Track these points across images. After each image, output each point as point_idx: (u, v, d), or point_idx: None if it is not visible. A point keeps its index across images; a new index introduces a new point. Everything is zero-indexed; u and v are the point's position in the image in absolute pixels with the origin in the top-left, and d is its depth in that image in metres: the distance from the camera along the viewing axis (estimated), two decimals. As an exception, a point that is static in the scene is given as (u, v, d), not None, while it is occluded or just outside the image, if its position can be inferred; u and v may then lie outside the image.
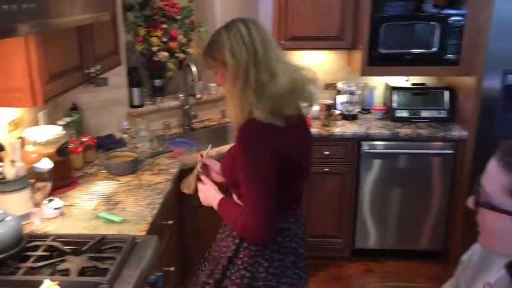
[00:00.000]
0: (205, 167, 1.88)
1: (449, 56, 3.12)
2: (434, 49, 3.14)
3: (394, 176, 3.22)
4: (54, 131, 2.12)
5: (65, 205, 1.94)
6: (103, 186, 2.21)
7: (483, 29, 2.84)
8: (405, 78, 3.54)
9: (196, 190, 1.84)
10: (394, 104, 3.38)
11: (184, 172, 2.37)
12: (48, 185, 1.99)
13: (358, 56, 3.23)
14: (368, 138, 3.16)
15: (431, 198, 3.23)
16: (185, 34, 3.14)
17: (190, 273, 2.63)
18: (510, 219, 0.85)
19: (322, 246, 3.33)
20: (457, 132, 3.12)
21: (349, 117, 3.41)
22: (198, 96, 3.05)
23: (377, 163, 3.19)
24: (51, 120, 2.36)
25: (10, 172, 1.74)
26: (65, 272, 1.42)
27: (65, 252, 1.52)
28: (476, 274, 1.09)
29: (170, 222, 2.19)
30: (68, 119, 2.51)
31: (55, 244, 1.55)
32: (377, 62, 3.18)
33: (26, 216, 1.79)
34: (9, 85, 1.62)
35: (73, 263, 1.44)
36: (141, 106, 3.01)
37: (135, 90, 2.96)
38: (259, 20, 3.22)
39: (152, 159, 2.59)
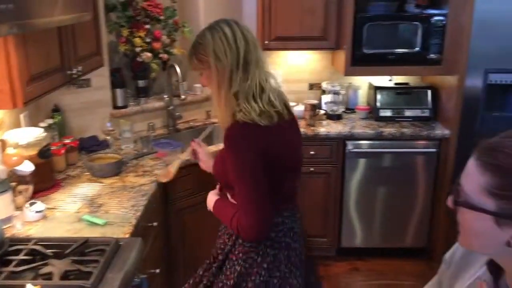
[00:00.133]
0: (194, 153, 1.98)
1: (432, 55, 3.16)
2: (417, 49, 3.16)
3: (378, 175, 3.24)
4: (36, 133, 2.08)
5: (48, 208, 1.92)
6: (86, 189, 2.18)
7: (465, 28, 2.87)
8: (388, 77, 3.57)
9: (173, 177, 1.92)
10: (378, 104, 3.40)
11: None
12: (30, 188, 1.97)
13: (341, 56, 3.24)
14: (353, 137, 3.17)
15: (416, 196, 3.26)
16: (169, 35, 3.12)
17: (175, 275, 2.62)
18: (488, 218, 0.86)
19: (308, 246, 3.34)
20: (440, 131, 3.15)
21: (334, 117, 3.42)
22: (183, 97, 3.04)
23: (362, 162, 3.21)
24: (33, 122, 2.32)
25: (-10, 175, 1.71)
26: (48, 276, 1.40)
27: (47, 255, 1.51)
28: (458, 272, 1.10)
29: (155, 224, 2.18)
30: (50, 121, 2.47)
31: (38, 247, 1.53)
32: (360, 62, 3.19)
33: (8, 219, 1.77)
34: (-12, 87, 1.59)
35: (56, 267, 1.43)
36: (124, 107, 2.98)
37: (119, 91, 2.93)
38: (243, 20, 3.23)
39: (136, 160, 2.56)
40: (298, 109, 3.37)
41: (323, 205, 3.29)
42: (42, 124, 2.35)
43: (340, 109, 3.48)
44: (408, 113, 3.36)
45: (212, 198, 1.79)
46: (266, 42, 3.23)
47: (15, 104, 1.61)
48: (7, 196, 1.77)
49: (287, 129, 1.65)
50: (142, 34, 2.96)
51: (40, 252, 1.52)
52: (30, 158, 1.98)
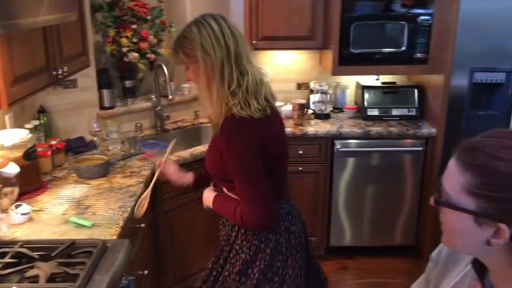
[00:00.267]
0: (162, 175, 1.99)
1: (418, 55, 3.18)
2: (403, 48, 3.19)
3: (367, 173, 3.26)
4: (21, 135, 2.06)
5: (34, 210, 1.90)
6: (73, 190, 2.16)
7: (450, 28, 2.90)
8: (376, 77, 3.59)
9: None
10: (366, 103, 3.42)
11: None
12: (16, 190, 1.94)
13: (329, 56, 3.25)
14: (341, 136, 3.19)
15: (403, 194, 3.28)
16: (156, 35, 3.11)
17: (164, 276, 2.61)
18: (469, 218, 0.86)
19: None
20: (427, 129, 3.18)
21: (322, 116, 3.43)
22: (170, 97, 3.02)
23: (350, 161, 3.22)
24: (19, 123, 2.30)
25: (-26, 178, 1.69)
26: (34, 279, 1.38)
27: (33, 258, 1.49)
28: (444, 270, 1.11)
29: (142, 225, 2.16)
30: (36, 122, 2.45)
31: (23, 250, 1.51)
32: (347, 62, 3.20)
33: (-7, 222, 1.74)
34: (-29, 87, 1.57)
35: (42, 270, 1.41)
36: (111, 107, 2.96)
37: (106, 92, 2.91)
38: (230, 20, 3.22)
39: (124, 161, 2.55)
40: (286, 108, 3.38)
41: (312, 204, 3.29)
42: (27, 126, 2.32)
43: (328, 109, 3.49)
44: (395, 112, 3.39)
45: (209, 194, 1.78)
46: (254, 42, 3.22)
47: (0, 105, 1.59)
48: (-8, 198, 1.75)
49: (275, 118, 1.70)
50: (128, 34, 2.95)
51: (26, 255, 1.50)
52: (16, 160, 1.95)
